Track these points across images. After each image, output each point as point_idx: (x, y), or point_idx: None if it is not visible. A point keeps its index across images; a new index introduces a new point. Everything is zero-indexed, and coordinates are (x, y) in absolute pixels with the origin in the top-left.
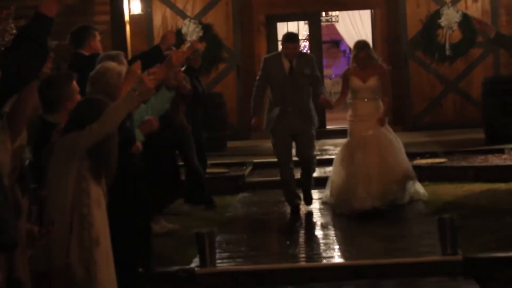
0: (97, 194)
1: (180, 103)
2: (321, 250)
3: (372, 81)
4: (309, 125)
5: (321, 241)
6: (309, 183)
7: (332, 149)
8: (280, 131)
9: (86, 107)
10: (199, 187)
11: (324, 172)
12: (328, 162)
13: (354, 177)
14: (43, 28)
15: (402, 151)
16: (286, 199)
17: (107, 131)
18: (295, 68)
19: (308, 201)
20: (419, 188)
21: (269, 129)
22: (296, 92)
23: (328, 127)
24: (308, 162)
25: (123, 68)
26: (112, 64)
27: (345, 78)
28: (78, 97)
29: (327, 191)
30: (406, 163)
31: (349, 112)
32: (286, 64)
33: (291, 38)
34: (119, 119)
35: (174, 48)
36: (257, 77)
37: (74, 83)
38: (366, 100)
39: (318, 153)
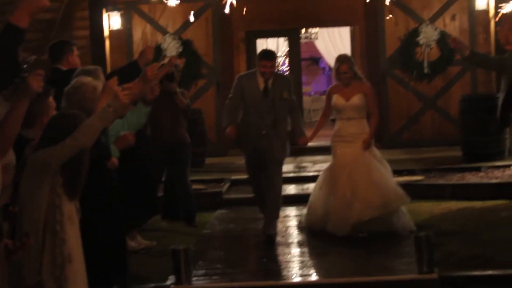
0: (70, 211)
1: (180, 118)
2: (298, 268)
3: (356, 99)
4: (281, 153)
5: (297, 258)
6: (272, 220)
7: (311, 166)
8: (251, 152)
9: (59, 122)
10: (188, 204)
11: (302, 189)
12: (306, 180)
13: (331, 204)
14: (14, 39)
15: (385, 177)
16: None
17: (80, 146)
18: (270, 88)
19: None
20: (407, 221)
21: (240, 145)
22: (271, 114)
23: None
24: (275, 190)
25: (99, 83)
26: (87, 79)
27: (328, 96)
28: (54, 112)
29: (304, 212)
30: (390, 190)
31: (333, 132)
32: (261, 84)
33: (268, 55)
34: (94, 135)
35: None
36: (229, 95)
37: (51, 98)
38: (349, 119)
39: (296, 169)
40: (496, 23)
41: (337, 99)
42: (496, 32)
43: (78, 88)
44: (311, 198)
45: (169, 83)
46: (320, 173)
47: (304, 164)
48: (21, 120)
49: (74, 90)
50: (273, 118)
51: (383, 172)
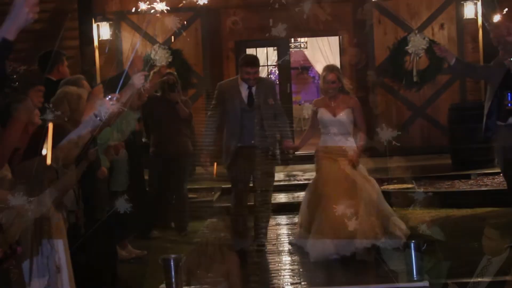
0: (58, 221)
1: (183, 127)
2: (289, 276)
3: (344, 115)
4: (270, 163)
5: (288, 266)
6: (263, 228)
7: (301, 174)
8: (238, 167)
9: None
10: (182, 213)
11: (292, 198)
12: (296, 188)
13: (315, 226)
14: (1, 51)
15: (367, 200)
16: (234, 239)
17: (68, 156)
18: (255, 96)
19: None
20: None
21: (227, 163)
22: (257, 123)
23: (297, 152)
24: (264, 204)
25: (83, 92)
26: (71, 88)
27: (314, 110)
28: (39, 122)
29: (296, 232)
30: (375, 216)
31: (317, 146)
32: (244, 92)
33: (251, 61)
34: (81, 145)
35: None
36: (211, 106)
37: None
38: (336, 135)
39: (287, 178)
40: (488, 24)
41: (323, 113)
42: (496, 25)
43: (62, 98)
44: (299, 218)
45: (170, 92)
46: (305, 191)
47: (294, 173)
48: (19, 135)
49: (59, 100)
50: (260, 129)
51: (370, 194)
